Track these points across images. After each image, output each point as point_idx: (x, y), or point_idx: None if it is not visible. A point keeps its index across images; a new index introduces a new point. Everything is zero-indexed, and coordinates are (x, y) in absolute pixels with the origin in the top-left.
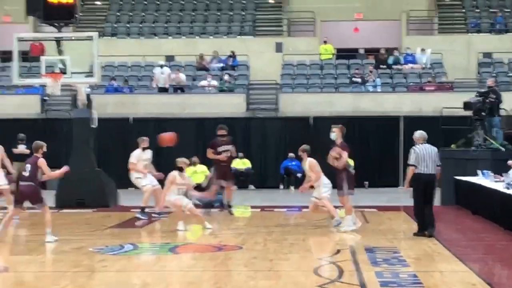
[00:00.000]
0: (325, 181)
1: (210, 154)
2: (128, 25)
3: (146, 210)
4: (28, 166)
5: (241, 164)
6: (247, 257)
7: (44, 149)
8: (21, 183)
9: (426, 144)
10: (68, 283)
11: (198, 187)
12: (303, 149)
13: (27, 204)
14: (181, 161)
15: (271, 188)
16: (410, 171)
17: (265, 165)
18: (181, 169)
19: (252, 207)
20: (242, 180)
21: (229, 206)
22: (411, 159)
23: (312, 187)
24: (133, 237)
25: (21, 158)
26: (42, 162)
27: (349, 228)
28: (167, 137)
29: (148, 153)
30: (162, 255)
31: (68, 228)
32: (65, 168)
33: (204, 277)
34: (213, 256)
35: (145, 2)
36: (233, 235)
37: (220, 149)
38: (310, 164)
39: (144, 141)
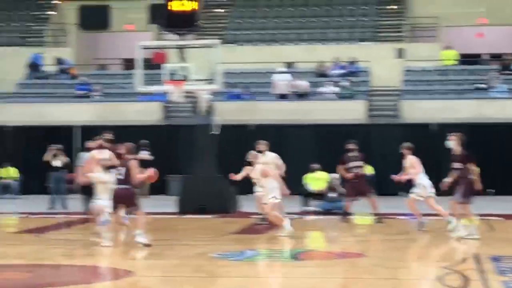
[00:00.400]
0: (425, 182)
1: (340, 171)
2: (248, 32)
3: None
4: (122, 169)
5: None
6: (370, 265)
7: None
8: (117, 186)
9: None
10: None
11: (319, 194)
12: (406, 146)
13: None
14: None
15: (392, 195)
16: None
17: (385, 172)
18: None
19: (374, 214)
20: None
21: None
22: None
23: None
24: (254, 243)
25: (144, 164)
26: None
27: (462, 234)
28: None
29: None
30: (284, 262)
31: (190, 234)
32: (150, 171)
33: (327, 285)
34: (336, 263)
35: (266, 9)
36: (355, 242)
37: (350, 165)
38: (411, 161)
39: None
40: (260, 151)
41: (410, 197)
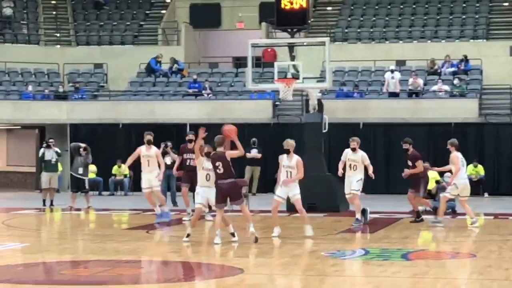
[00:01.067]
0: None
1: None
2: (358, 30)
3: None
4: (219, 164)
5: (475, 171)
6: (482, 265)
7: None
8: (220, 181)
9: None
10: (301, 287)
11: (430, 194)
12: (451, 142)
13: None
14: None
15: (506, 195)
16: None
17: (499, 171)
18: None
19: (486, 214)
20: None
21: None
22: None
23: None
24: (365, 242)
25: (254, 162)
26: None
27: None
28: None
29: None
30: (394, 261)
31: (301, 232)
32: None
33: (438, 285)
34: (447, 263)
35: (376, 7)
36: (467, 242)
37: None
38: (452, 157)
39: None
40: (353, 149)
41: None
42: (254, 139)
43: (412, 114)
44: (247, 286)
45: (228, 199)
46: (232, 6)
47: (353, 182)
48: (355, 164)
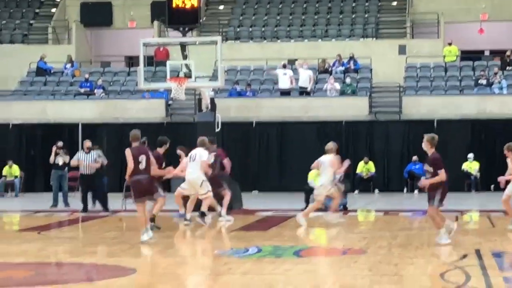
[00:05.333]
0: None
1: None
2: (250, 29)
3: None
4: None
5: (366, 168)
6: (372, 261)
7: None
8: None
9: None
10: (194, 286)
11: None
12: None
13: None
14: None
15: (395, 191)
16: None
17: (388, 168)
18: None
19: (376, 210)
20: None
21: None
22: None
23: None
24: (257, 240)
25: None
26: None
27: None
28: None
29: None
30: (286, 258)
31: (196, 231)
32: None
33: (329, 281)
34: (338, 259)
35: (268, 6)
36: (357, 239)
37: None
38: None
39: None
40: None
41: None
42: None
43: (303, 113)
44: (139, 286)
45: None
46: (124, 5)
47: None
48: None
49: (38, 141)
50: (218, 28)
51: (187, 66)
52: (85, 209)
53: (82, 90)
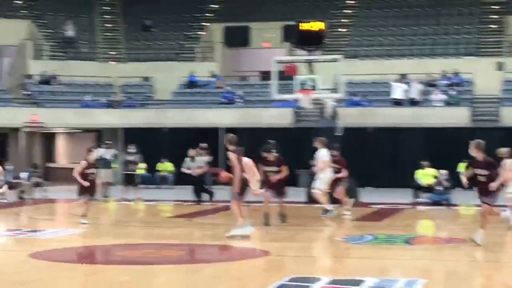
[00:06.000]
0: None
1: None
2: (367, 48)
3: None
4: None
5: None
6: (473, 249)
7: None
8: None
9: None
10: (319, 267)
11: (428, 188)
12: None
13: None
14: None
15: None
16: None
17: None
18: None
19: (475, 205)
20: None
21: None
22: None
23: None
24: (372, 229)
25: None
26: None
27: None
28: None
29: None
30: (398, 245)
31: (319, 220)
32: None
33: (436, 266)
34: (443, 247)
35: (382, 29)
36: (460, 230)
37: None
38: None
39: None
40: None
41: None
42: (272, 141)
43: (413, 120)
44: (272, 266)
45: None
46: (260, 28)
47: (317, 180)
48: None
49: (187, 143)
50: (339, 47)
51: (312, 80)
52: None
53: (224, 100)
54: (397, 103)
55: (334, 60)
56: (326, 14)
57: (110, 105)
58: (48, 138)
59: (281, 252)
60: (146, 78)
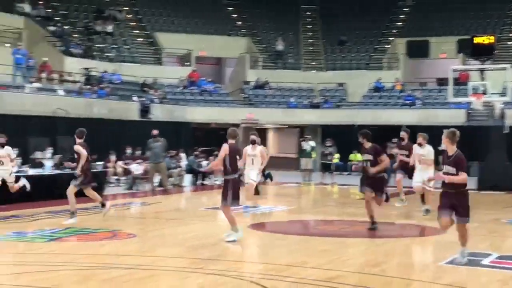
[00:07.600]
0: None
1: None
2: None
3: None
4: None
5: None
6: None
7: None
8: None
9: None
10: (489, 244)
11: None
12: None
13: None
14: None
15: None
16: None
17: None
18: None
19: None
20: None
21: None
22: None
23: None
24: None
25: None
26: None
27: None
28: None
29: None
30: None
31: (487, 205)
32: None
33: None
34: None
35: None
36: None
37: None
38: None
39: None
40: (420, 144)
41: None
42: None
43: None
44: (449, 243)
45: None
46: (438, 42)
47: (424, 176)
48: (422, 158)
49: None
50: (507, 57)
51: (483, 85)
52: None
53: (406, 102)
54: None
55: (503, 69)
56: (496, 29)
57: (311, 106)
58: (261, 133)
59: (454, 232)
60: (341, 84)
